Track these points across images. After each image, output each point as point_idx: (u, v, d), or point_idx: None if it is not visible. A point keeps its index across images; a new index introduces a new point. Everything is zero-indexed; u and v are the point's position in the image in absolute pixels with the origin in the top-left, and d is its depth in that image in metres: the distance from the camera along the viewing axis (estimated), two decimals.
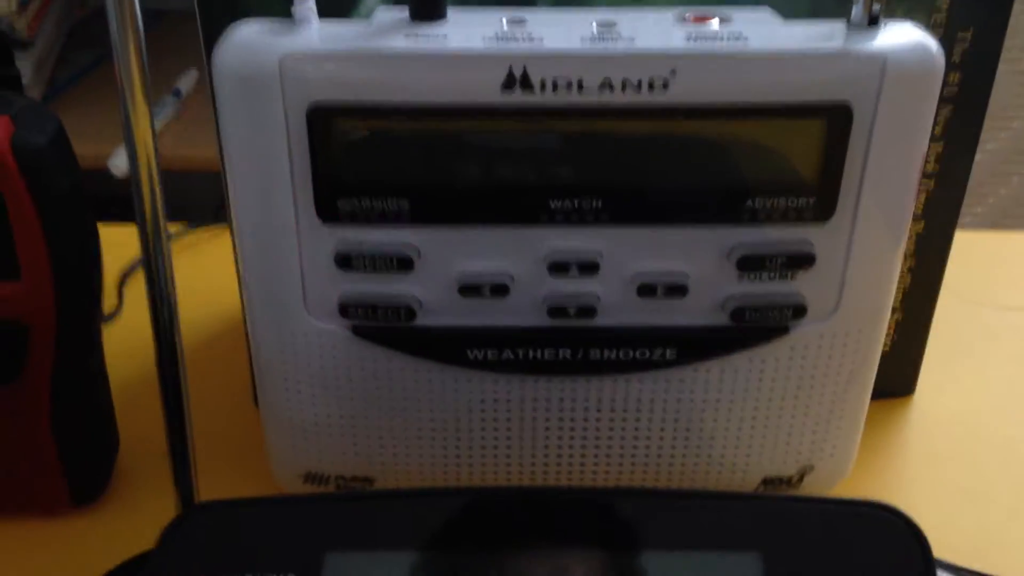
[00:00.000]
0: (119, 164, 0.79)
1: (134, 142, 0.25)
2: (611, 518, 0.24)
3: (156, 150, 0.25)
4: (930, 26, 0.31)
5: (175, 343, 0.27)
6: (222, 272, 0.39)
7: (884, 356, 0.32)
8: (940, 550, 0.25)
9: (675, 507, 0.24)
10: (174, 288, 0.27)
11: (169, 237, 0.26)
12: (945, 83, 0.32)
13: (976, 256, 0.47)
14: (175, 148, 0.82)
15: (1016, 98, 0.82)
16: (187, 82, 0.92)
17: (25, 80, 0.85)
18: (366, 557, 0.23)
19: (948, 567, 0.28)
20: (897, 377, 0.39)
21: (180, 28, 0.96)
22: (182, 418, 0.27)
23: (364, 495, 0.28)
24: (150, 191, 0.25)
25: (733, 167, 0.28)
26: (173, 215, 0.41)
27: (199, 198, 0.62)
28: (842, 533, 0.23)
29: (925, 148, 0.28)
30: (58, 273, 0.29)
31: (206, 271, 0.43)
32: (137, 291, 0.36)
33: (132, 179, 0.25)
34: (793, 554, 0.23)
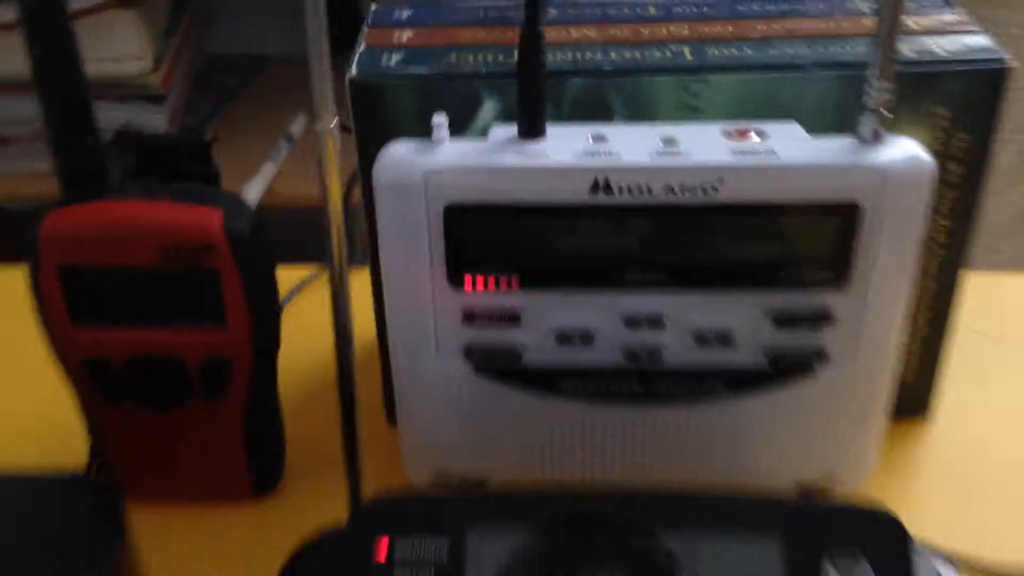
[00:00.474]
0: (251, 198, 0.86)
1: (328, 198, 0.33)
2: (670, 510, 0.32)
3: (345, 204, 0.33)
4: (930, 129, 0.38)
5: (352, 369, 0.36)
6: (359, 307, 0.48)
7: (907, 384, 0.40)
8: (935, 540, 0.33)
9: (716, 504, 0.32)
10: (352, 323, 0.35)
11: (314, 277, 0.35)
12: (948, 173, 0.39)
13: (994, 296, 0.54)
14: (291, 187, 0.87)
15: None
16: (298, 127, 0.97)
17: (162, 130, 0.91)
18: (497, 533, 0.32)
19: (938, 555, 0.36)
20: (917, 401, 0.46)
21: (283, 74, 1.05)
22: (354, 429, 0.37)
23: (490, 493, 0.37)
24: (338, 240, 0.33)
25: (768, 249, 0.36)
26: (295, 249, 0.47)
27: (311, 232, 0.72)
28: (839, 528, 0.31)
29: (921, 235, 0.35)
30: (253, 322, 0.39)
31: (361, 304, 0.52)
32: (290, 324, 0.45)
33: (324, 229, 0.33)
34: (806, 542, 0.31)
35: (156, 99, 0.91)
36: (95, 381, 0.39)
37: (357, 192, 0.41)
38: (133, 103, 0.88)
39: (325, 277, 0.59)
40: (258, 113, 0.98)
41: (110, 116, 0.88)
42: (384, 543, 0.32)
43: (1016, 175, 0.91)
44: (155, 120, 0.90)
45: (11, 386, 0.51)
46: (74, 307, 0.38)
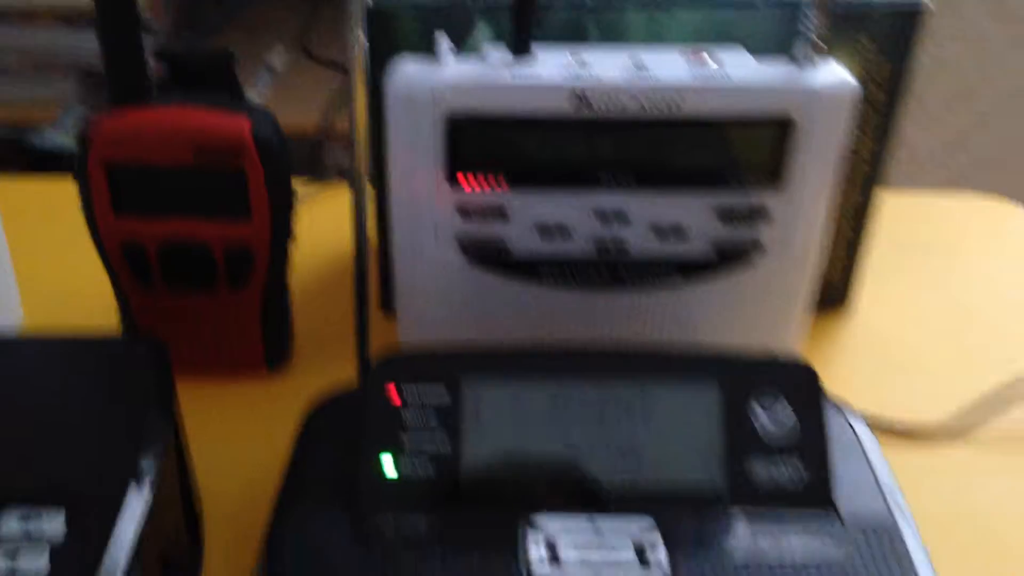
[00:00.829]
0: None
1: (354, 123, 0.38)
2: (630, 362, 0.39)
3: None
4: (858, 59, 0.45)
5: (365, 247, 0.42)
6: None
7: (832, 282, 0.47)
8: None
9: (665, 357, 0.39)
10: (366, 223, 0.41)
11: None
12: (871, 97, 0.46)
13: (914, 212, 0.63)
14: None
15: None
16: (278, 58, 1.02)
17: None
18: (488, 379, 0.38)
19: (847, 409, 0.43)
20: (840, 296, 0.54)
21: (265, 9, 1.08)
22: (364, 299, 0.43)
23: (481, 347, 0.43)
24: (361, 156, 0.40)
25: (717, 155, 0.42)
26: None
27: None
28: (765, 376, 0.38)
29: (844, 146, 0.42)
30: (273, 217, 0.44)
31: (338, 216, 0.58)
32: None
33: (351, 151, 0.39)
34: (738, 387, 0.38)
35: (143, 28, 0.94)
36: (131, 264, 0.45)
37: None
38: None
39: (314, 191, 0.65)
40: (241, 45, 1.02)
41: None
42: (393, 390, 0.38)
43: (948, 108, 0.99)
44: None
45: (48, 271, 0.56)
46: (117, 198, 0.43)
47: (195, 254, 0.44)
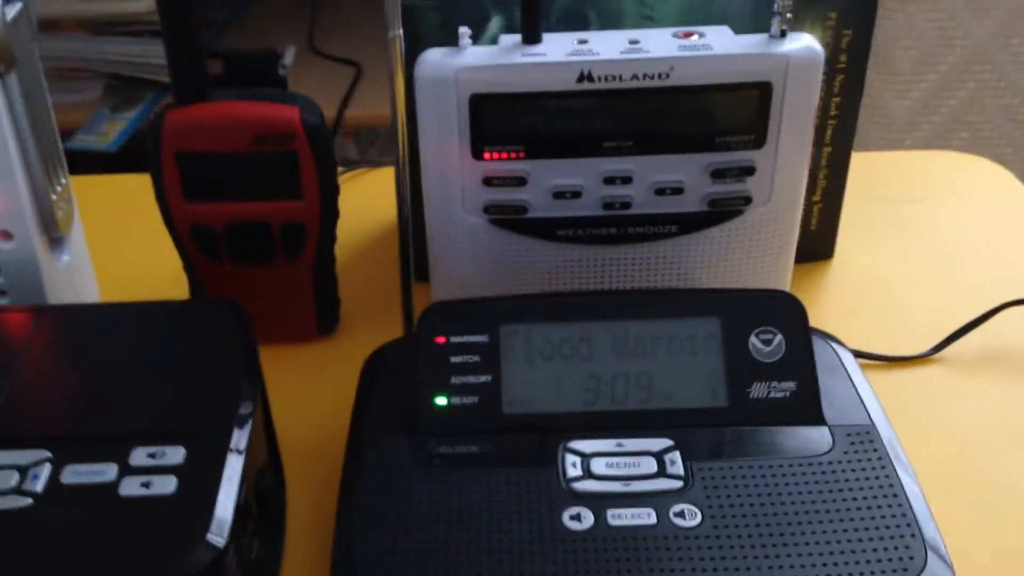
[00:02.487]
0: None
1: (394, 91, 0.44)
2: (643, 304, 0.46)
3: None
4: (825, 28, 0.51)
5: (409, 215, 0.48)
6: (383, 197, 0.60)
7: (813, 232, 0.53)
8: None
9: (672, 296, 0.46)
10: (408, 195, 0.48)
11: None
12: (838, 62, 0.53)
13: (889, 168, 0.69)
14: None
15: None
16: (289, 56, 1.06)
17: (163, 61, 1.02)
18: (522, 323, 0.45)
19: (834, 339, 0.50)
20: (822, 246, 0.60)
21: (280, 8, 1.14)
22: (408, 264, 0.49)
23: (519, 297, 0.48)
24: (401, 122, 0.46)
25: (708, 120, 0.49)
26: None
27: None
28: (759, 310, 0.45)
29: (816, 105, 0.48)
30: (321, 195, 0.51)
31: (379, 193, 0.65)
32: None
33: (393, 134, 0.45)
34: (736, 321, 0.45)
35: (159, 34, 1.00)
36: (200, 243, 0.51)
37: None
38: (144, 38, 0.97)
39: (352, 173, 0.71)
40: (250, 43, 1.08)
41: (122, 50, 0.97)
42: (440, 335, 0.45)
43: (916, 74, 1.06)
44: (159, 52, 0.99)
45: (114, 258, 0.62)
46: (186, 184, 0.49)
47: (256, 231, 0.51)
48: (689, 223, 0.51)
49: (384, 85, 0.45)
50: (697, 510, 0.40)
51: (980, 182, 0.71)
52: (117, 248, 0.61)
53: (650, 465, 0.42)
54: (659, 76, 0.47)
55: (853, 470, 0.42)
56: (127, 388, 0.40)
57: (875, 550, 0.38)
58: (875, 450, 0.43)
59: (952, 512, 0.42)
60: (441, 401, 0.44)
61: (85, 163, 0.98)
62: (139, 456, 0.37)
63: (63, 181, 0.51)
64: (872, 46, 0.53)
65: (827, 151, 0.56)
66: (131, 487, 0.36)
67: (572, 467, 0.42)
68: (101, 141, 0.96)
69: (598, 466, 0.42)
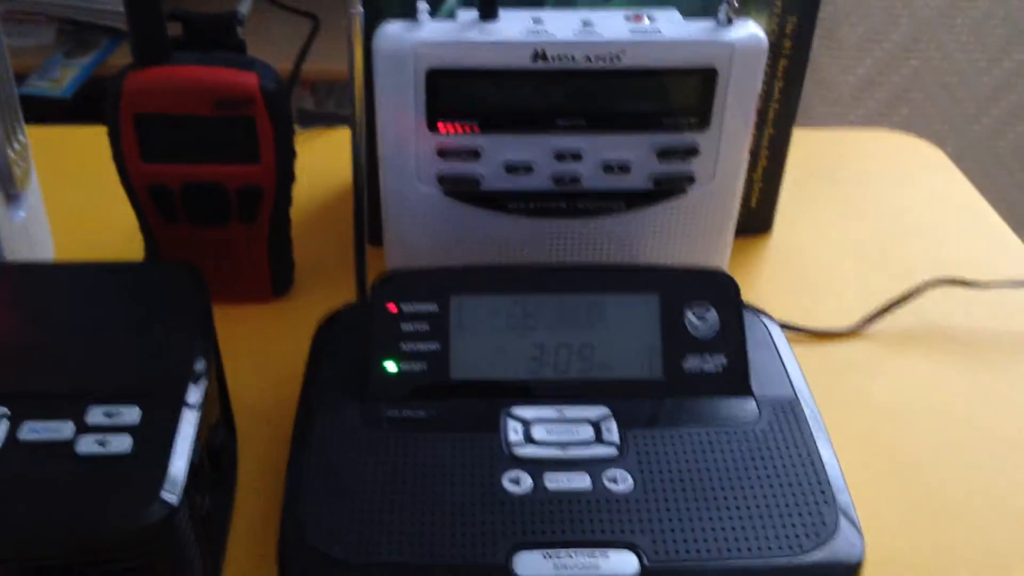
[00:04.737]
0: None
1: (352, 63, 0.45)
2: (585, 277, 0.48)
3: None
4: (771, 15, 0.53)
5: (363, 181, 0.49)
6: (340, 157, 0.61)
7: (753, 209, 0.56)
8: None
9: (614, 271, 0.48)
10: (364, 162, 0.49)
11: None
12: (782, 48, 0.55)
13: (826, 147, 0.72)
14: None
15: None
16: (244, 6, 1.07)
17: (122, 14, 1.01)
18: (470, 293, 0.46)
19: (765, 314, 0.52)
20: (761, 221, 0.63)
21: None
22: (363, 230, 0.50)
23: (469, 269, 0.50)
24: (359, 94, 0.47)
25: (655, 102, 0.50)
26: None
27: None
28: (694, 286, 0.47)
29: (759, 91, 0.50)
30: (278, 159, 0.52)
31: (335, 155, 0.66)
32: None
33: (351, 107, 0.46)
34: (673, 296, 0.47)
35: None
36: (157, 204, 0.52)
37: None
38: None
39: (309, 132, 0.72)
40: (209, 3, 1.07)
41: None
42: (391, 303, 0.46)
43: (860, 50, 1.09)
44: (115, 4, 0.98)
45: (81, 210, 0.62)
46: (144, 145, 0.50)
47: (212, 193, 0.52)
48: (635, 200, 0.53)
49: (342, 39, 0.46)
50: (629, 475, 0.42)
51: (916, 162, 0.74)
52: (73, 204, 0.61)
53: (588, 432, 0.44)
54: (610, 59, 0.48)
55: (775, 440, 0.44)
56: (84, 346, 0.41)
57: (791, 515, 0.41)
58: (797, 421, 0.46)
59: (866, 480, 0.45)
60: (391, 367, 0.46)
61: (38, 109, 0.98)
62: (96, 415, 0.38)
63: (21, 139, 0.51)
64: (819, 22, 0.55)
65: (769, 132, 0.58)
66: (88, 445, 0.37)
67: (514, 432, 0.44)
68: (55, 87, 0.95)
69: (539, 432, 0.44)
